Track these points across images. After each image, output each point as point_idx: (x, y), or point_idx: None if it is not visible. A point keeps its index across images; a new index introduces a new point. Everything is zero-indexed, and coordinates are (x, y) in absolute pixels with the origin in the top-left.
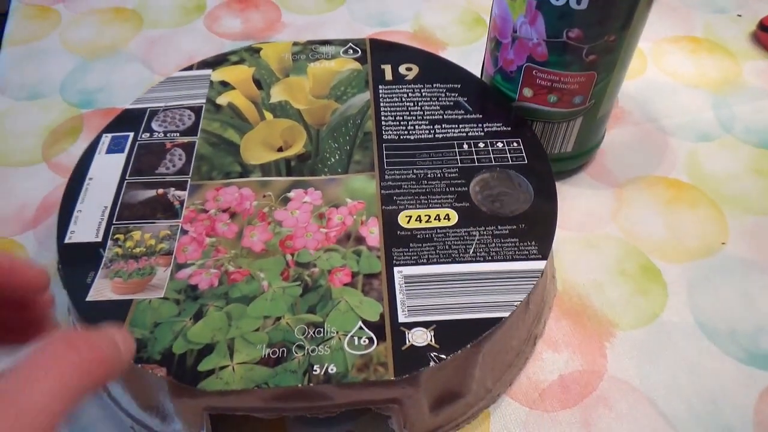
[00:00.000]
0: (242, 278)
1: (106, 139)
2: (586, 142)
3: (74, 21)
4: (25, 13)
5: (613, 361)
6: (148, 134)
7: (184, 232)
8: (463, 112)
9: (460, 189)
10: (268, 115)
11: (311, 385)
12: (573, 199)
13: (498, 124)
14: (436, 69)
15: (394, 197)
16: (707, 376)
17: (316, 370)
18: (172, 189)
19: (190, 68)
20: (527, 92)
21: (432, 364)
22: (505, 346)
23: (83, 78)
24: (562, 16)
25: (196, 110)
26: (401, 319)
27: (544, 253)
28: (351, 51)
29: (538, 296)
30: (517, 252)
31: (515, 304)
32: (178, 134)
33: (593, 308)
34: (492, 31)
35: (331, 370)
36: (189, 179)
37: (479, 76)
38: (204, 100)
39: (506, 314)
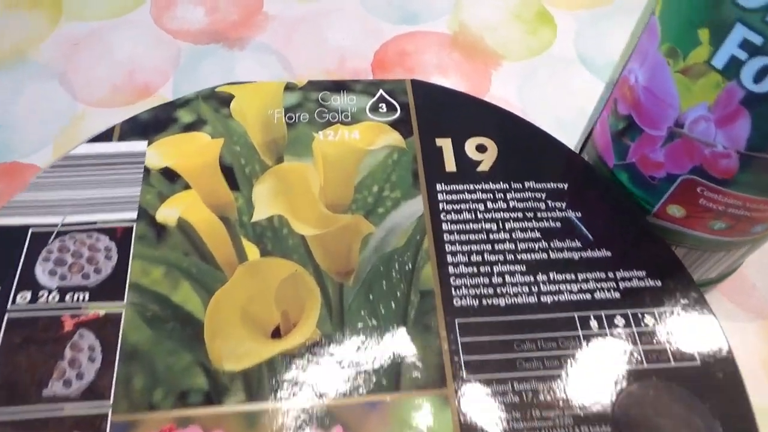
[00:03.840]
0: None
1: None
2: (740, 263)
3: None
4: None
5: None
6: (27, 295)
7: None
8: (579, 243)
9: (597, 427)
10: (251, 250)
11: None
12: None
13: (640, 273)
14: (523, 145)
15: None
16: None
17: None
18: None
19: (107, 136)
20: (675, 211)
21: None
22: None
23: None
24: None
25: (120, 238)
26: None
27: None
28: (385, 107)
29: None
30: None
31: None
32: (86, 297)
33: None
34: (622, 101)
35: None
36: (109, 411)
37: (578, 145)
38: (134, 214)
39: None
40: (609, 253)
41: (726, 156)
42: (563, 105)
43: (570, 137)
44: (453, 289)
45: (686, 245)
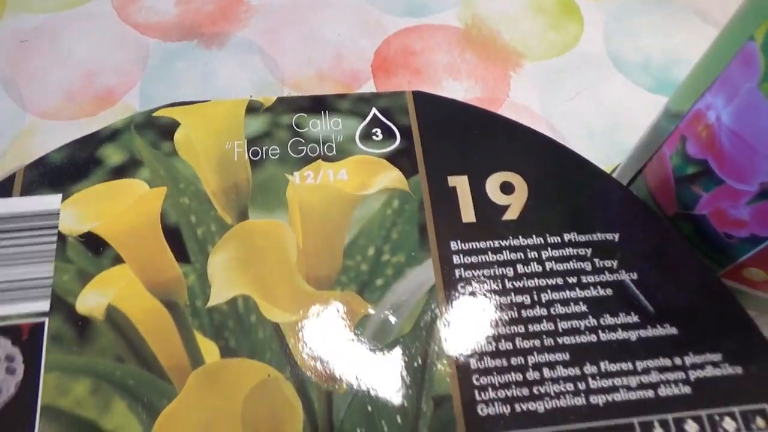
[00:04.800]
0: None
1: None
2: None
3: None
4: None
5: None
6: None
7: None
8: (637, 318)
9: None
10: (208, 349)
11: None
12: None
13: (715, 357)
14: (560, 181)
15: None
16: None
17: None
18: None
19: (5, 188)
20: (754, 274)
21: None
22: None
23: None
24: None
25: (27, 341)
26: None
27: None
28: (380, 132)
29: None
30: None
31: None
32: None
33: None
34: (695, 141)
35: None
36: None
37: (621, 175)
38: (46, 305)
39: None
40: (675, 330)
41: None
42: (593, 113)
43: (602, 152)
44: (477, 391)
45: (760, 309)
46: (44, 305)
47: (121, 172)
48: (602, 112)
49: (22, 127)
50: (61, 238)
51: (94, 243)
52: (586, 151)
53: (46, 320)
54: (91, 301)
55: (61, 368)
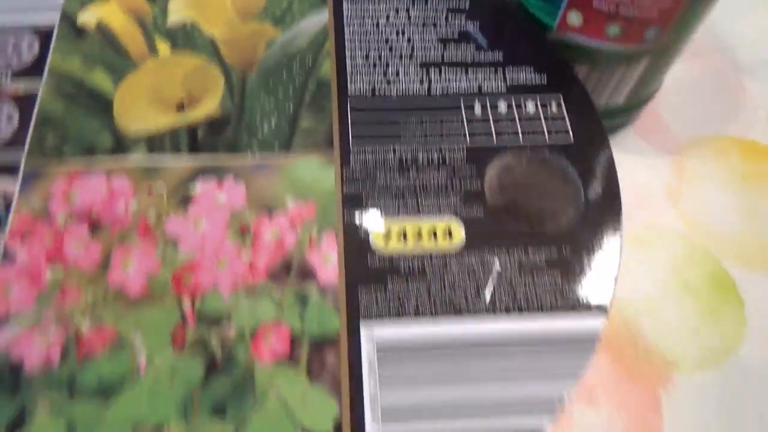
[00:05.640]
0: (102, 347)
1: None
2: (645, 90)
3: None
4: None
5: (670, 418)
6: None
7: (10, 257)
8: (474, 48)
9: (469, 184)
10: (163, 47)
11: None
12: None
13: (528, 70)
14: None
15: (365, 196)
16: None
17: None
18: None
19: None
20: (574, 18)
21: None
22: None
23: None
24: None
25: (43, 34)
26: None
27: (602, 302)
28: None
29: None
30: (558, 299)
31: (556, 403)
32: (9, 75)
33: (645, 340)
34: None
35: None
36: (23, 158)
37: None
38: (57, 17)
39: (544, 422)
40: (501, 57)
41: None
42: None
43: None
44: (349, 79)
45: (586, 60)
46: (56, 17)
47: None
48: None
49: None
50: None
51: None
52: None
53: (57, 25)
54: (87, 17)
55: (63, 51)
